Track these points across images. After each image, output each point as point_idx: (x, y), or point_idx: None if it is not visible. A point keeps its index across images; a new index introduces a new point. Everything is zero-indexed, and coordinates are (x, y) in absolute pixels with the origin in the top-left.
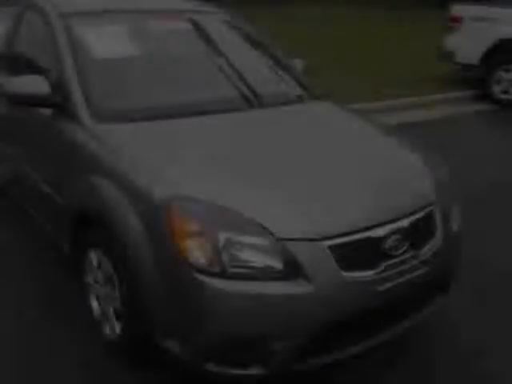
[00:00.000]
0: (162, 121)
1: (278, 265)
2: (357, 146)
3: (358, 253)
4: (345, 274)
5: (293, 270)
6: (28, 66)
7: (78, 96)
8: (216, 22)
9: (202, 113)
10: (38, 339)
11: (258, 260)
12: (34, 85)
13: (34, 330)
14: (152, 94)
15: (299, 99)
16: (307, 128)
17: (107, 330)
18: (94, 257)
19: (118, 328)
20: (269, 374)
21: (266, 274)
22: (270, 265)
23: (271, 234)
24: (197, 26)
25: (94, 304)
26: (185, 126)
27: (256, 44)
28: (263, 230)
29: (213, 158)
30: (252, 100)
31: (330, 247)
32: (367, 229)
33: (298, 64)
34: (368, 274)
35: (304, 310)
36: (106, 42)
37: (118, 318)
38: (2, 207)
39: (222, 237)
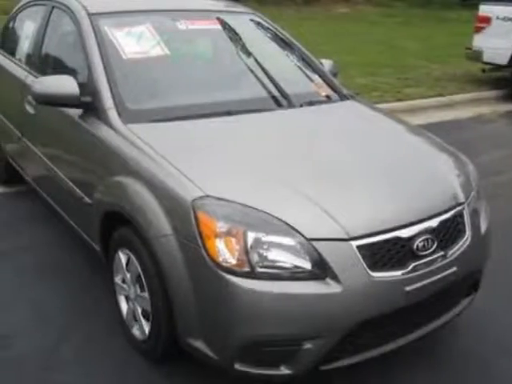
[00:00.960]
0: (190, 121)
1: (306, 265)
2: (386, 145)
3: (387, 253)
4: (373, 273)
5: (321, 269)
6: (56, 66)
7: (106, 96)
8: (245, 22)
9: (231, 113)
10: (67, 340)
11: (287, 260)
12: (62, 85)
13: (63, 329)
14: (181, 95)
15: (328, 99)
16: (336, 128)
17: (136, 330)
18: (122, 257)
19: (146, 329)
20: (297, 374)
21: (294, 274)
22: (298, 265)
23: (299, 234)
24: (226, 26)
25: (123, 304)
26: (213, 126)
27: (285, 44)
28: (291, 230)
29: (241, 158)
30: (281, 100)
31: (359, 247)
32: (396, 229)
33: (327, 64)
34: (396, 273)
35: (332, 310)
36: (135, 42)
37: (146, 318)
38: (32, 207)
39: (251, 237)
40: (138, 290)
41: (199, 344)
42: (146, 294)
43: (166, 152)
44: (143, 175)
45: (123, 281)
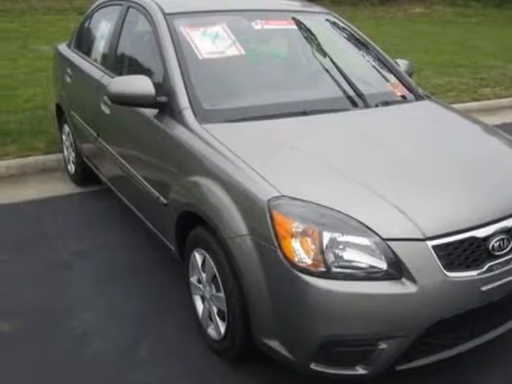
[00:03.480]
0: (265, 121)
1: (381, 265)
2: (462, 145)
3: (462, 253)
4: (448, 273)
5: (397, 269)
6: (131, 66)
7: (182, 96)
8: (321, 23)
9: (306, 113)
10: (143, 339)
11: (362, 260)
12: (138, 85)
13: (138, 328)
14: (256, 95)
15: (403, 99)
16: (412, 127)
17: (212, 330)
18: (198, 257)
19: (222, 329)
20: (372, 374)
21: (369, 274)
22: (373, 265)
23: (375, 233)
24: (301, 26)
25: (199, 304)
26: (288, 126)
27: (360, 44)
28: (367, 230)
29: (316, 158)
30: (356, 100)
31: (434, 247)
32: (472, 229)
33: (403, 64)
34: (472, 273)
35: (408, 310)
36: (210, 42)
37: (222, 318)
38: (107, 207)
39: (326, 237)
40: (214, 290)
41: (274, 344)
42: (222, 294)
43: (242, 152)
44: (218, 175)
45: (199, 281)
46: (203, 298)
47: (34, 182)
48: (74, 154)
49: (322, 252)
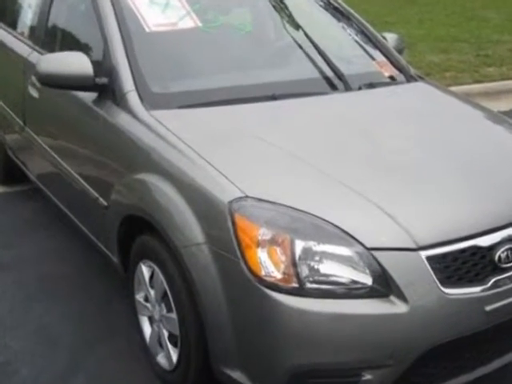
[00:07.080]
0: (227, 107)
1: (365, 279)
2: (462, 136)
3: (463, 265)
4: (446, 290)
5: (384, 285)
6: (65, 41)
7: (125, 77)
8: None
9: (276, 97)
10: (77, 369)
11: (343, 274)
12: (73, 64)
13: (72, 356)
14: (215, 75)
15: (392, 80)
16: (402, 114)
17: (161, 358)
18: (145, 270)
19: (174, 356)
20: None
21: (351, 291)
22: (356, 279)
23: (358, 242)
24: None
25: (146, 327)
26: (254, 113)
27: (340, 15)
28: (348, 238)
29: (287, 152)
30: (336, 82)
31: (429, 258)
32: (474, 236)
33: (391, 39)
34: (474, 290)
35: (398, 334)
36: (160, 11)
37: (174, 344)
38: (37, 209)
39: (299, 246)
40: (164, 310)
41: (237, 374)
42: (174, 315)
43: (198, 144)
44: (170, 172)
45: (146, 299)
46: (152, 320)
47: None
48: None
49: (294, 264)
